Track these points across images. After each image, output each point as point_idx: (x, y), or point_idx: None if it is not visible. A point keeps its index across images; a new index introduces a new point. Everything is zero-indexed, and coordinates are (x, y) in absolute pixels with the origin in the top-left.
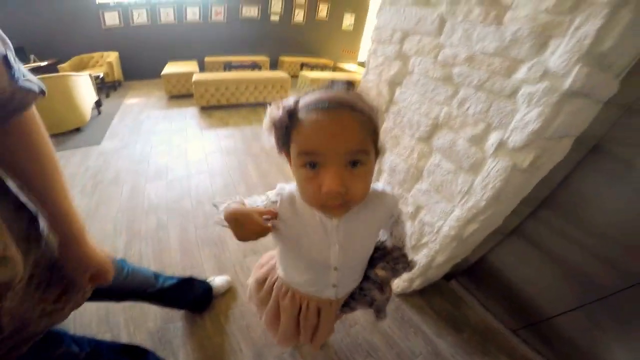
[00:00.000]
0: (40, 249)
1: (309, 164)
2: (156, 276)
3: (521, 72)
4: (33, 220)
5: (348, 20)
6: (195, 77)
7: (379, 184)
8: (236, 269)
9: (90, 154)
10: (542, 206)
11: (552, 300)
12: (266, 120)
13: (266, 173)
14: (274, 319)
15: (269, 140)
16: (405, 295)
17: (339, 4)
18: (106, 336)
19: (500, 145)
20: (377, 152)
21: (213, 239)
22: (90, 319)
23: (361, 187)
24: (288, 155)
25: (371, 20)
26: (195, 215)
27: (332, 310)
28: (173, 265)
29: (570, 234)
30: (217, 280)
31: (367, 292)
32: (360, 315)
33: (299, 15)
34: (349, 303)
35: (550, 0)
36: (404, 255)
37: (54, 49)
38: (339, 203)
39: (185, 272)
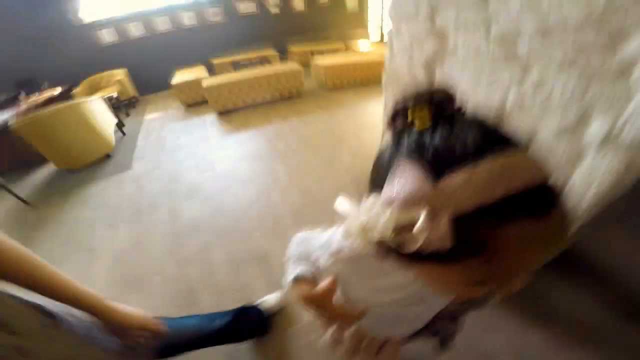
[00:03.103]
0: None
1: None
2: (209, 320)
3: (634, 46)
4: None
5: (351, 3)
6: (205, 83)
7: None
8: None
9: (125, 180)
10: None
11: None
12: (367, 235)
13: (295, 171)
14: (336, 343)
15: None
16: None
17: None
18: None
19: (608, 139)
20: None
21: (258, 254)
22: None
23: None
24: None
25: None
26: (235, 231)
27: (400, 342)
28: (226, 287)
29: None
30: (269, 300)
31: (435, 319)
32: None
33: (298, 4)
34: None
35: None
36: None
37: (61, 75)
38: None
39: (237, 294)
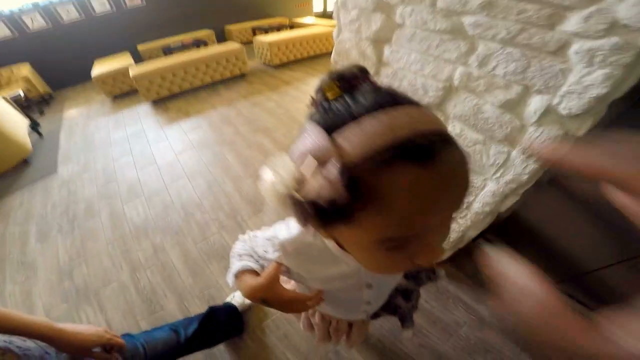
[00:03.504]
0: None
1: (395, 246)
2: (175, 330)
3: (571, 23)
4: None
5: None
6: (132, 72)
7: None
8: None
9: (51, 186)
10: None
11: (594, 252)
12: (275, 190)
13: (249, 160)
14: (309, 328)
15: (276, 209)
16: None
17: None
18: None
19: (548, 112)
20: None
21: (217, 250)
22: None
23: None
24: (326, 231)
25: None
26: (188, 228)
27: (365, 323)
28: (188, 289)
29: None
30: (239, 297)
31: (391, 299)
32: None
33: None
34: None
35: None
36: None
37: None
38: None
39: (203, 294)
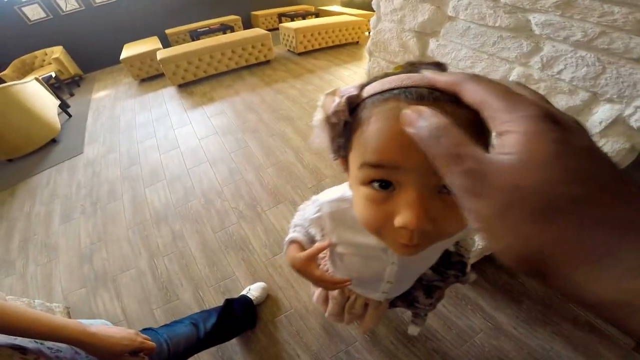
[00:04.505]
0: None
1: (379, 183)
2: (195, 324)
3: None
4: None
5: None
6: (160, 55)
7: None
8: (269, 270)
9: (76, 166)
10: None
11: None
12: (317, 114)
13: (271, 149)
14: (324, 301)
15: (320, 139)
16: None
17: None
18: None
19: (615, 122)
20: None
21: (235, 240)
22: None
23: (456, 224)
24: (346, 163)
25: None
26: (208, 216)
27: (380, 307)
28: (204, 279)
29: None
30: (254, 290)
31: (412, 289)
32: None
33: None
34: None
35: None
36: (462, 263)
37: None
38: (416, 242)
39: (219, 285)
